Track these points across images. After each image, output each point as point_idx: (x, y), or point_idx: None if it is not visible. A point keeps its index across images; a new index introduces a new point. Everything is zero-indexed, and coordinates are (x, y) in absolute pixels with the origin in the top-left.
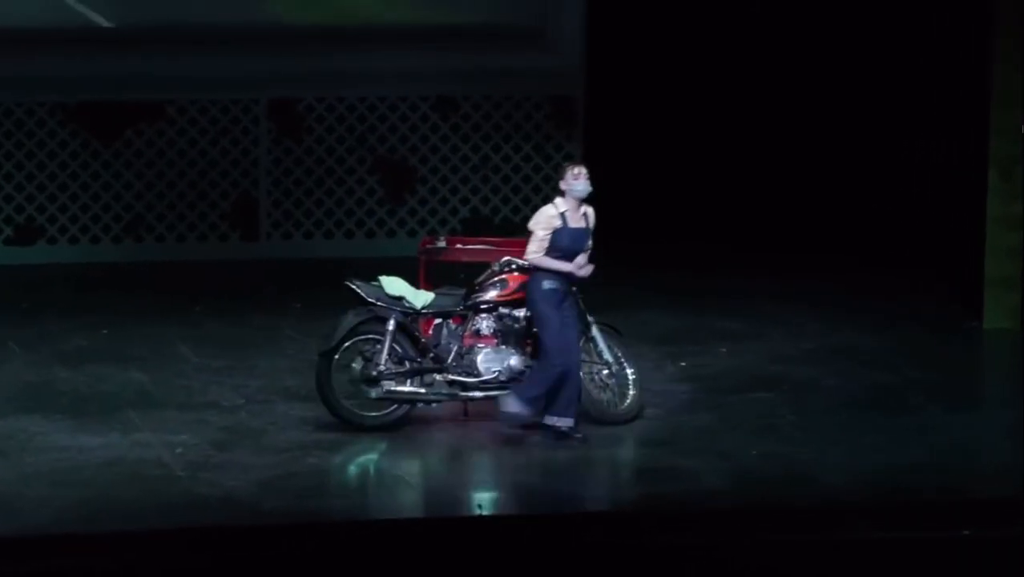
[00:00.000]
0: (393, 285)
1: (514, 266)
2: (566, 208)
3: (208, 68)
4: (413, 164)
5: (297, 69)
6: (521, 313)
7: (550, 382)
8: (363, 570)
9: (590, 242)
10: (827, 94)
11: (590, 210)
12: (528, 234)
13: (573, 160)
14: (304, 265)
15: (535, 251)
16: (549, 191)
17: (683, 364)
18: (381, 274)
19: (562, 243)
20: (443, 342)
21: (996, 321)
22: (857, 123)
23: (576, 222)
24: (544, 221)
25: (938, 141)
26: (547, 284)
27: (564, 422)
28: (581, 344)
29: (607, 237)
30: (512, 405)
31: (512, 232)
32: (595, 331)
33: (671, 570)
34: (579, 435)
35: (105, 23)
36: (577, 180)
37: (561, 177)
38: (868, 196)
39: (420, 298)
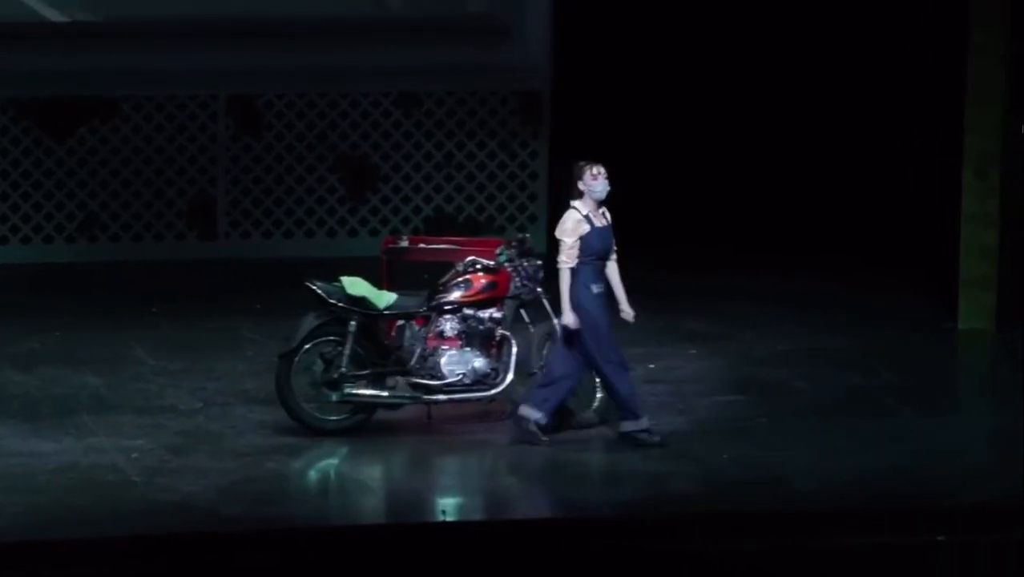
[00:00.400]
0: (355, 286)
1: (479, 266)
2: (587, 210)
3: (164, 63)
4: (375, 161)
5: (256, 64)
6: (486, 314)
7: (631, 387)
8: None
9: (612, 243)
10: (804, 90)
11: (606, 211)
12: (557, 242)
13: (590, 160)
14: (263, 265)
15: (566, 260)
16: (515, 189)
17: (652, 366)
18: (342, 274)
19: (593, 246)
20: (406, 344)
21: (971, 322)
22: (835, 119)
23: (600, 221)
24: (572, 228)
25: (918, 137)
26: (595, 288)
27: (639, 425)
28: (547, 347)
29: None
30: (526, 411)
31: (477, 231)
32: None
33: None
34: (656, 438)
35: (58, 17)
36: (596, 180)
37: (579, 177)
38: (845, 194)
39: (382, 299)
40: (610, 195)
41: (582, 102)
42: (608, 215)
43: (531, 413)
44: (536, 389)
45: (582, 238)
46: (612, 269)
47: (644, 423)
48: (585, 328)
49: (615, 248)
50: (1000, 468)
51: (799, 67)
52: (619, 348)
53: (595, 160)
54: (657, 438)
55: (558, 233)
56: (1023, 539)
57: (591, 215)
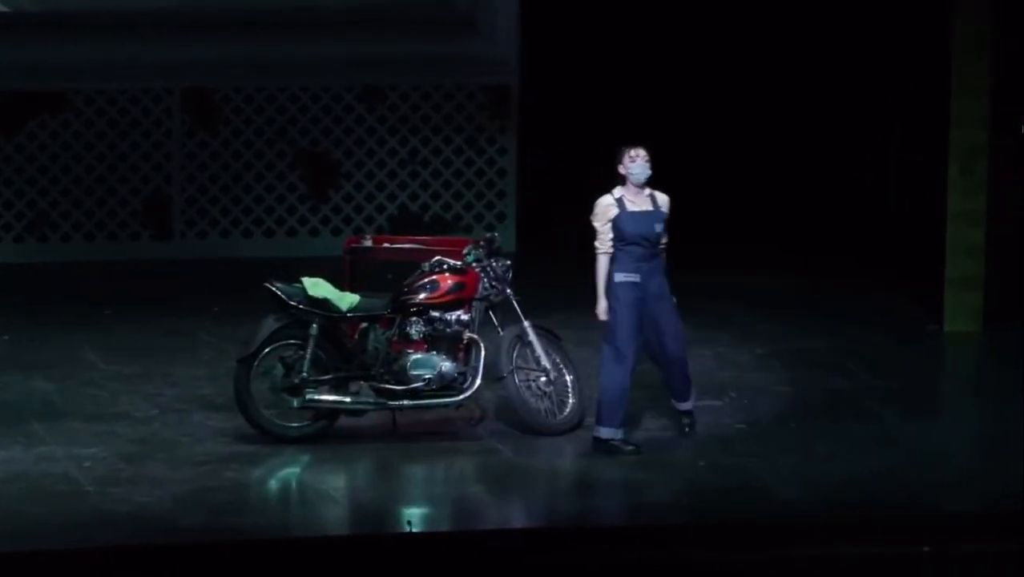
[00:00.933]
0: (316, 287)
1: (445, 266)
2: (623, 193)
3: (117, 55)
4: (337, 158)
5: (213, 56)
6: (453, 316)
7: (620, 390)
8: None
9: (660, 228)
10: (784, 83)
11: (662, 196)
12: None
13: (631, 143)
14: (221, 266)
15: (597, 245)
16: (482, 186)
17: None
18: (303, 275)
19: (624, 229)
20: (370, 348)
21: (957, 323)
22: (814, 112)
23: (638, 206)
24: (599, 212)
25: (900, 133)
26: (619, 276)
27: (608, 432)
28: (517, 350)
29: (542, 231)
30: (602, 432)
31: (443, 230)
32: (531, 335)
33: None
34: (630, 447)
35: (2, 7)
36: (634, 163)
37: (619, 161)
38: (826, 191)
39: (345, 301)
40: (576, 188)
41: (552, 96)
42: (659, 200)
43: (604, 432)
44: (598, 405)
45: (613, 222)
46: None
47: (620, 433)
48: (611, 319)
49: (661, 237)
50: (988, 473)
51: (779, 60)
52: (634, 345)
53: (633, 144)
54: (631, 447)
55: (591, 218)
56: (1013, 549)
57: (625, 199)
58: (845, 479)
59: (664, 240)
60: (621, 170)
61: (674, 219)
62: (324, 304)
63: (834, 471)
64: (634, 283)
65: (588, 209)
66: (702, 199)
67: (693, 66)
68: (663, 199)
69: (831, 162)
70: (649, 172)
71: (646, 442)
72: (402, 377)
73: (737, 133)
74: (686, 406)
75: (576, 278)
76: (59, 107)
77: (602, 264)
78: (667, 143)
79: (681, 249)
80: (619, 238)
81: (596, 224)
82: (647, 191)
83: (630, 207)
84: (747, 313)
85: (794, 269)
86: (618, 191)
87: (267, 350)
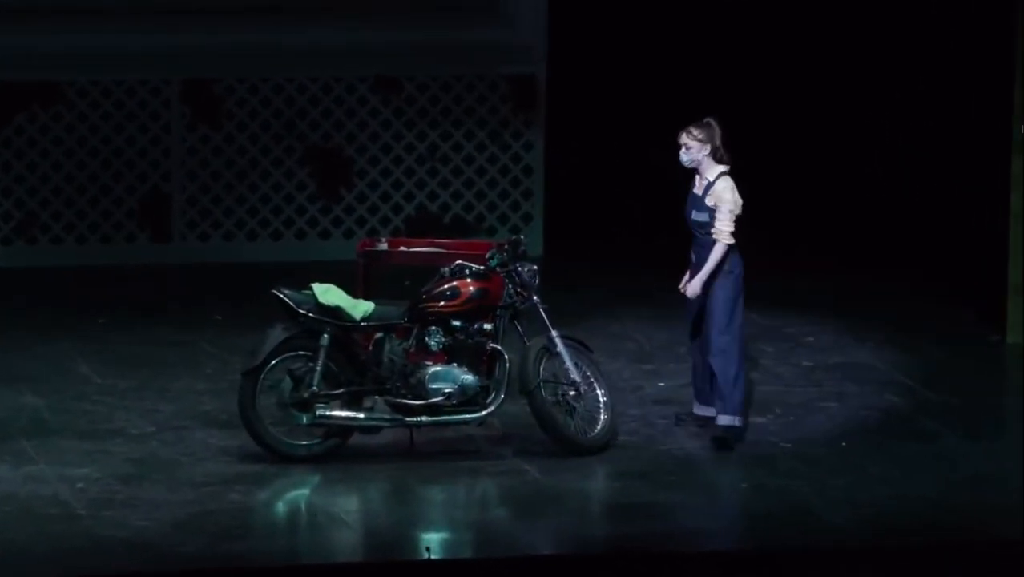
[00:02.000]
0: (327, 294)
1: (467, 272)
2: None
3: (112, 43)
4: (350, 154)
5: (215, 43)
6: (475, 326)
7: (735, 376)
8: None
9: (695, 214)
10: (825, 74)
11: (717, 185)
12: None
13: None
14: (224, 271)
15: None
16: (507, 185)
17: (662, 384)
18: (313, 281)
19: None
20: (385, 359)
21: (1021, 333)
22: (862, 104)
23: (696, 188)
24: None
25: (960, 128)
26: (724, 265)
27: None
28: (544, 363)
29: (572, 234)
30: (723, 420)
31: (465, 232)
32: (560, 346)
33: None
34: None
35: None
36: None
37: None
38: (872, 189)
39: (358, 309)
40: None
41: (583, 86)
42: (714, 192)
43: (727, 421)
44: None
45: None
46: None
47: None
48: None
49: (700, 223)
50: None
51: (825, 51)
52: (690, 329)
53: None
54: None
55: None
56: None
57: (694, 181)
58: (899, 504)
59: (705, 231)
60: None
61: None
62: (336, 312)
63: (887, 495)
64: (730, 272)
65: (621, 208)
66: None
67: (740, 49)
68: (717, 188)
69: (878, 159)
70: (684, 160)
71: (683, 460)
72: (420, 391)
73: (781, 127)
74: (703, 412)
75: (608, 284)
76: (50, 99)
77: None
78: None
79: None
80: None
81: None
82: (709, 178)
83: (692, 191)
84: (790, 321)
85: (842, 273)
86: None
87: (274, 362)
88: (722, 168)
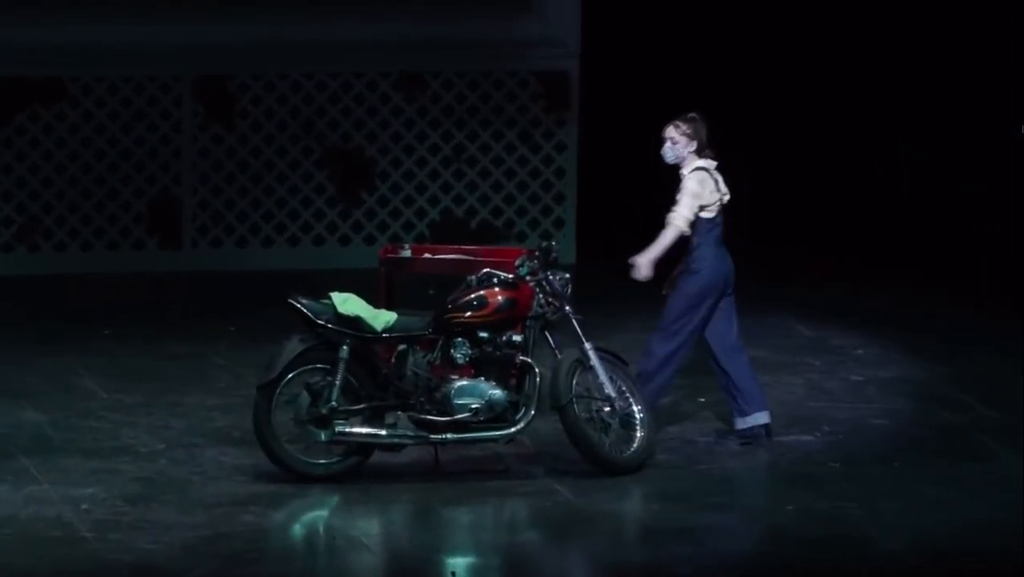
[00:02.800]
0: (347, 303)
1: (495, 280)
2: None
3: (120, 38)
4: (371, 155)
5: (229, 38)
6: (504, 337)
7: (749, 377)
8: None
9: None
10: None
11: (688, 176)
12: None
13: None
14: (237, 279)
15: None
16: (538, 188)
17: (702, 400)
18: (332, 290)
19: None
20: (408, 373)
21: None
22: (901, 102)
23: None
24: None
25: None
26: (692, 264)
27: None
28: (577, 376)
29: (606, 240)
30: (742, 424)
31: (493, 239)
32: (593, 359)
33: None
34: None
35: None
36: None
37: None
38: (909, 192)
39: (380, 319)
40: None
41: (618, 84)
42: (683, 178)
43: (746, 423)
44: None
45: None
46: None
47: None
48: None
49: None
50: None
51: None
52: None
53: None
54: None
55: None
56: None
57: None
58: (956, 527)
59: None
60: None
61: (758, 225)
62: (356, 323)
63: (943, 518)
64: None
65: (659, 214)
66: (780, 199)
67: (778, 48)
68: (685, 178)
69: (914, 160)
70: (667, 157)
71: (723, 481)
72: (445, 407)
73: (823, 129)
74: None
75: (645, 293)
76: (53, 96)
77: None
78: (744, 133)
79: (760, 262)
80: None
81: None
82: (685, 172)
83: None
84: (838, 333)
85: (889, 282)
86: None
87: (291, 376)
88: (701, 163)
